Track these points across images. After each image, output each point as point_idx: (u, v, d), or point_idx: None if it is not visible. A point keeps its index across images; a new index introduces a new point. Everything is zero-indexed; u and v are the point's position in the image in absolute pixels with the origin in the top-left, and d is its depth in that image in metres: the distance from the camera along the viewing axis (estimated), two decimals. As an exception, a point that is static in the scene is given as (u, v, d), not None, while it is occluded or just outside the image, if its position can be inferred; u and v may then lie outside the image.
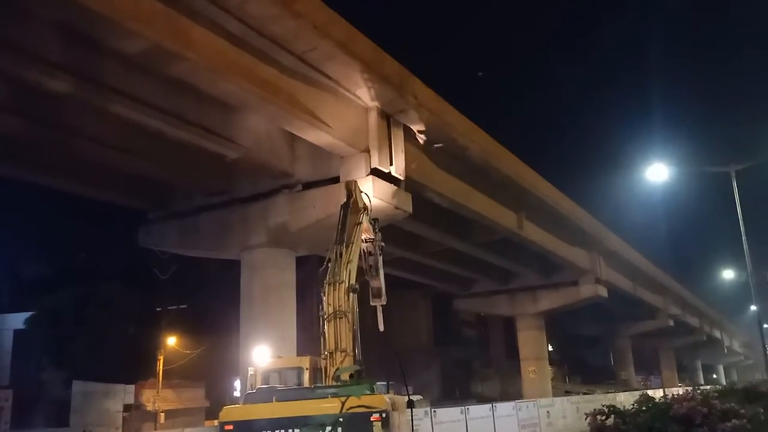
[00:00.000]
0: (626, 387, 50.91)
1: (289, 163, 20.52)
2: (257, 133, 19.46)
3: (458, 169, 24.10)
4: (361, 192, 15.84)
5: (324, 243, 15.29)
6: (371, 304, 15.66)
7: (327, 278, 13.21)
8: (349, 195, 15.08)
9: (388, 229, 20.94)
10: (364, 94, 18.91)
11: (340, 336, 12.76)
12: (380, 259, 15.68)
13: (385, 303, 15.70)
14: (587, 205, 36.70)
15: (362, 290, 13.93)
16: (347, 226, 14.34)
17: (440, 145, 21.66)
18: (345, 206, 14.86)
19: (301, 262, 22.11)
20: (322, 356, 12.86)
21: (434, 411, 19.10)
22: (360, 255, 14.64)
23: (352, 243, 14.12)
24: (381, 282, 15.58)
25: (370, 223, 15.48)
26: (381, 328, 15.44)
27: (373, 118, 19.39)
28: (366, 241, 15.14)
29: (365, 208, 15.34)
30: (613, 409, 10.21)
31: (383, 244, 15.88)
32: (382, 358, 16.09)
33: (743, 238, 19.53)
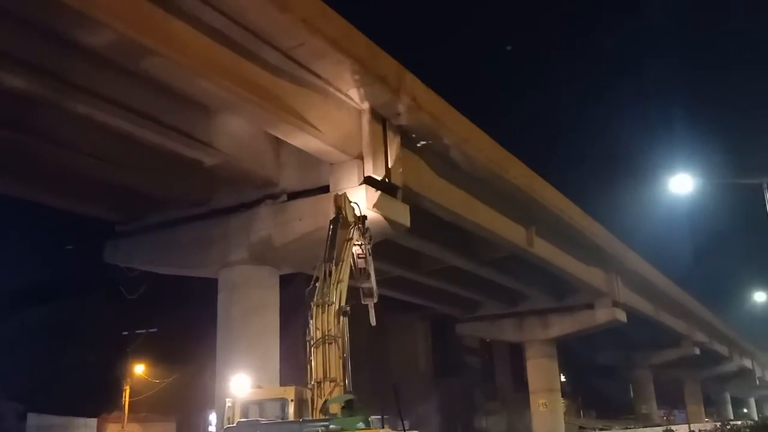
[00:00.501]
0: (647, 422, 50.87)
1: (273, 170, 20.59)
2: (239, 138, 19.52)
3: (461, 178, 24.21)
4: (351, 202, 15.94)
5: (311, 260, 15.45)
6: (363, 302, 15.89)
7: (315, 299, 13.28)
8: (338, 210, 15.27)
9: (382, 244, 20.98)
10: (358, 95, 19.00)
11: (328, 364, 12.79)
12: (371, 260, 15.94)
13: (376, 300, 15.99)
14: (603, 220, 36.89)
15: (353, 313, 14.00)
16: (337, 243, 14.45)
17: (425, 142, 21.63)
18: (334, 221, 14.99)
19: (285, 280, 22.11)
20: (309, 386, 12.88)
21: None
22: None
23: (343, 261, 14.19)
24: (373, 282, 15.86)
25: (359, 228, 15.66)
26: (373, 322, 15.77)
27: (366, 121, 19.49)
28: (355, 244, 15.39)
29: (356, 222, 15.52)
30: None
31: (370, 244, 16.18)
32: (375, 388, 16.12)
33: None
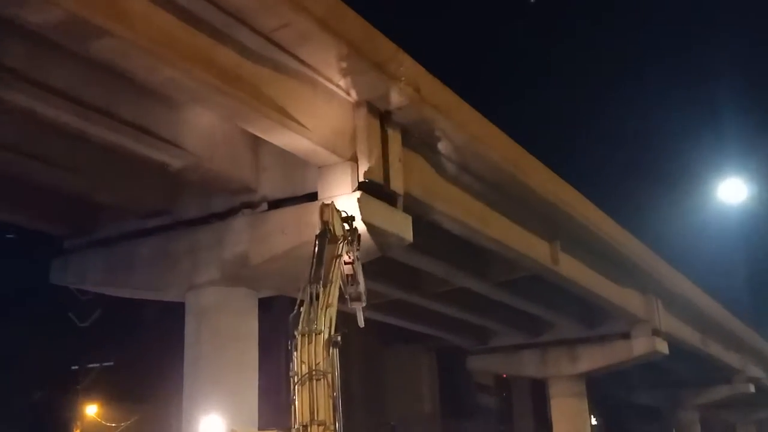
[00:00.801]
0: (693, 473, 50.86)
1: (251, 174, 20.48)
2: (210, 136, 19.45)
3: (474, 184, 24.17)
4: (339, 211, 15.98)
5: (296, 280, 15.19)
6: (350, 307, 15.97)
7: (300, 327, 13.14)
8: (325, 225, 15.29)
9: (380, 262, 20.91)
10: (351, 86, 18.91)
11: (316, 404, 12.63)
12: (359, 265, 16.09)
13: (365, 304, 16.23)
14: (639, 234, 36.76)
15: (345, 342, 13.94)
16: (324, 261, 14.44)
17: (431, 140, 21.67)
18: (320, 236, 15.00)
19: (265, 305, 21.97)
20: (293, 430, 12.71)
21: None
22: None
23: (331, 282, 14.15)
24: (362, 286, 16.08)
25: (346, 228, 15.86)
26: (361, 324, 16.12)
27: (362, 116, 19.43)
28: (346, 262, 15.47)
29: (345, 236, 15.59)
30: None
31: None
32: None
33: None
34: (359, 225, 17.00)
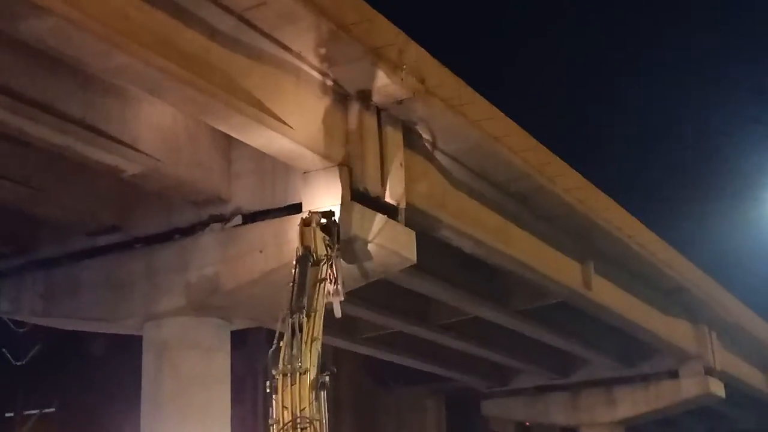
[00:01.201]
0: None
1: (222, 182, 20.42)
2: (173, 136, 19.38)
3: (490, 193, 24.19)
4: (323, 220, 16.37)
5: (275, 309, 15.30)
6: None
7: (280, 366, 13.22)
8: (307, 249, 15.56)
9: (377, 286, 20.87)
10: (343, 76, 18.95)
11: (301, 457, 12.81)
12: (339, 261, 16.66)
13: (342, 299, 16.60)
14: (687, 253, 36.84)
15: (334, 382, 13.98)
16: (307, 287, 14.68)
17: (438, 141, 21.73)
18: (302, 261, 15.25)
19: (239, 338, 21.57)
20: (274, 490, 12.89)
21: None
22: None
23: (315, 311, 14.38)
24: (340, 283, 16.47)
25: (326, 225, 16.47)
26: (338, 314, 16.47)
27: (355, 112, 19.48)
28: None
29: (329, 257, 15.90)
30: None
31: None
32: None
33: None
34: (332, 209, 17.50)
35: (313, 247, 15.69)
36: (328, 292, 16.09)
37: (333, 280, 16.17)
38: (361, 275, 19.52)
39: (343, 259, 17.53)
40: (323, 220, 16.63)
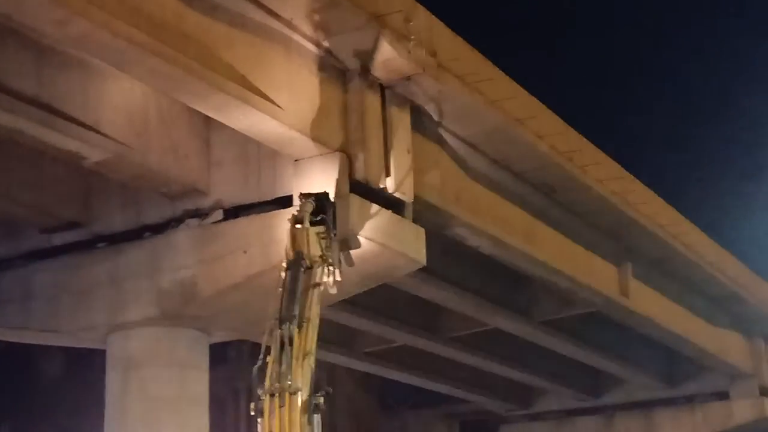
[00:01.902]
0: None
1: (200, 171, 20.34)
2: (143, 118, 19.28)
3: (512, 185, 24.08)
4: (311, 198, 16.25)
5: (261, 319, 15.28)
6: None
7: (267, 385, 13.39)
8: (299, 254, 15.80)
9: (381, 292, 20.62)
10: (340, 48, 18.78)
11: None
12: (336, 247, 17.15)
13: (340, 279, 17.10)
14: (738, 256, 36.86)
15: (332, 401, 13.74)
16: (298, 293, 14.83)
17: (451, 124, 21.69)
18: (293, 265, 15.50)
19: (219, 353, 21.33)
20: None
21: None
22: None
23: (308, 320, 14.45)
24: (337, 272, 17.04)
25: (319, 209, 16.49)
26: (333, 291, 16.77)
27: (355, 90, 19.41)
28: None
29: (324, 259, 16.24)
30: None
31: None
32: None
33: None
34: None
35: (306, 250, 15.67)
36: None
37: (329, 271, 16.38)
38: (360, 280, 19.45)
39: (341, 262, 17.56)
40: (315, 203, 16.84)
